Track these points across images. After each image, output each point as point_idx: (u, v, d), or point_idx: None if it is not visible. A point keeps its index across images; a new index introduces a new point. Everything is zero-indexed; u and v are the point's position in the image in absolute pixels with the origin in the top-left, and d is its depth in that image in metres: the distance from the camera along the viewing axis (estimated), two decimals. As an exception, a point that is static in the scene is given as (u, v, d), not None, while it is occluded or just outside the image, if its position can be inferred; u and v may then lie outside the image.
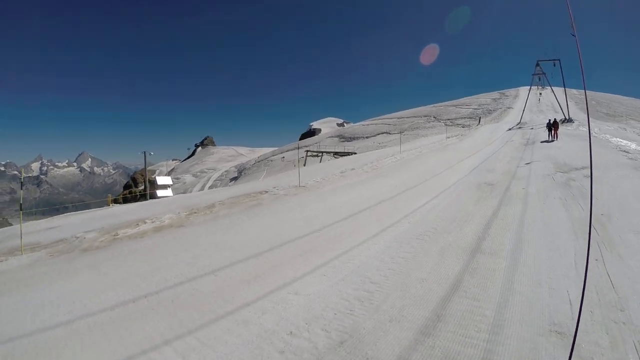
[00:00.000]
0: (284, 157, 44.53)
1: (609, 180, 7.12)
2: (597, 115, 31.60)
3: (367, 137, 37.68)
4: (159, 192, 18.22)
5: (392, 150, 20.50)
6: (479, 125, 31.16)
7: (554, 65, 26.78)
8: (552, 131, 16.93)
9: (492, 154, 15.09)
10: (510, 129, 26.25)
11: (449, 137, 24.72)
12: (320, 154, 32.07)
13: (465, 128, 33.00)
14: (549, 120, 18.18)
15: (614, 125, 23.53)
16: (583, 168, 10.17)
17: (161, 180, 20.78)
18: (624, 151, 11.55)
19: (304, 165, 26.38)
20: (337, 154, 30.06)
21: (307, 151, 34.24)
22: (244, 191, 10.44)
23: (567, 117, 27.34)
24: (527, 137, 20.79)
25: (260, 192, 9.42)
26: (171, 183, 21.84)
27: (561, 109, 28.26)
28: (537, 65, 28.02)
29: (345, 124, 78.09)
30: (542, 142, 16.68)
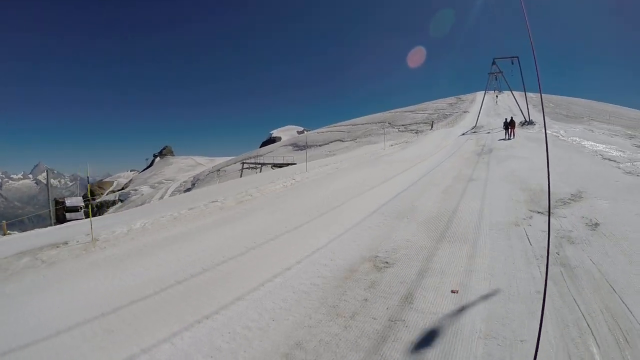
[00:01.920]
0: (219, 171, 50.05)
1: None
2: (557, 117, 33.28)
3: (320, 145, 41.29)
4: (69, 215, 18.42)
5: (313, 164, 15.95)
6: (431, 130, 33.45)
7: (512, 63, 27.55)
8: (509, 130, 18.83)
9: (430, 171, 11.46)
10: (464, 134, 26.13)
11: (392, 145, 23.91)
12: (259, 166, 34.83)
13: (418, 134, 33.83)
14: (506, 119, 20.23)
15: (578, 126, 23.67)
16: (575, 197, 6.25)
17: (71, 201, 21.50)
18: (610, 159, 10.59)
19: (240, 176, 29.31)
20: (275, 165, 32.64)
21: (243, 163, 38.03)
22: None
23: (528, 119, 27.03)
24: (482, 143, 18.62)
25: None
26: (82, 205, 22.81)
27: (521, 111, 28.32)
28: (494, 63, 29.05)
29: (305, 132, 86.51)
30: (499, 139, 18.52)
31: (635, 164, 10.15)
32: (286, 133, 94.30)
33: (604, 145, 14.24)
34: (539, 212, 5.88)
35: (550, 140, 17.19)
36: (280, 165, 30.64)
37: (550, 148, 14.16)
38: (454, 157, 14.55)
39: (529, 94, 29.51)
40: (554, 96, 51.40)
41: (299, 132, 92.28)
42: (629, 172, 8.81)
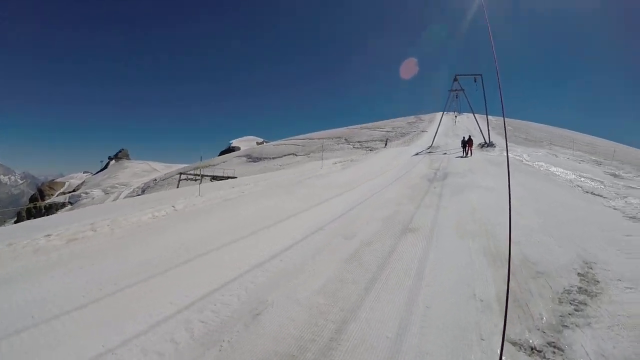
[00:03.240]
0: (156, 180, 54.89)
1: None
2: (517, 140, 34.59)
3: (273, 158, 44.30)
4: None
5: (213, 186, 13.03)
6: (385, 148, 34.03)
7: (475, 81, 28.80)
8: (467, 148, 21.04)
9: (358, 204, 9.39)
10: (417, 154, 25.62)
11: (335, 163, 22.65)
12: (199, 177, 35.86)
13: (372, 151, 34.19)
14: (464, 137, 22.50)
15: (540, 150, 24.13)
16: (586, 281, 4.35)
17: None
18: (593, 193, 9.73)
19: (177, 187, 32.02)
20: (215, 177, 34.60)
21: (181, 174, 40.40)
22: None
23: (488, 141, 27.18)
24: (436, 165, 17.19)
25: None
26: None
27: (481, 132, 28.88)
28: (456, 79, 30.19)
29: (264, 143, 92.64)
30: (457, 157, 20.11)
31: (629, 201, 8.49)
32: (245, 143, 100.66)
33: (576, 173, 13.81)
34: (533, 351, 3.02)
35: (513, 164, 16.63)
36: (220, 178, 32.47)
37: (516, 174, 12.75)
38: (399, 183, 12.22)
39: (489, 117, 30.26)
40: (512, 119, 55.60)
41: (258, 143, 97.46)
42: (632, 217, 7.14)
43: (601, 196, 9.43)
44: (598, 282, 4.47)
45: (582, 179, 12.36)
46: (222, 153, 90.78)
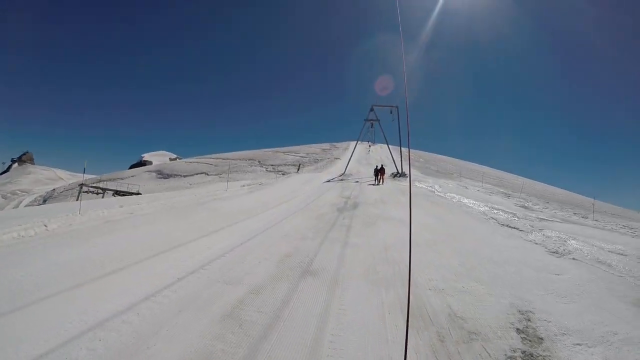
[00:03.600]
0: (54, 190, 58.43)
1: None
2: (428, 172, 37.69)
3: (184, 176, 46.68)
4: None
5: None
6: (296, 173, 35.70)
7: (391, 112, 31.49)
8: (379, 176, 23.03)
9: (252, 238, 8.03)
10: (329, 181, 26.08)
11: (243, 186, 22.88)
12: (102, 191, 37.65)
13: (284, 175, 35.97)
14: (377, 166, 24.83)
15: (451, 182, 26.15)
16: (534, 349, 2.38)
17: None
18: (509, 226, 9.89)
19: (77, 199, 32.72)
20: (118, 192, 35.64)
21: (82, 185, 41.17)
22: None
23: (400, 171, 29.02)
24: (347, 194, 16.74)
25: None
26: None
27: (394, 162, 31.13)
28: (372, 110, 32.81)
29: (178, 159, 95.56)
30: (369, 184, 21.95)
31: (546, 234, 8.75)
32: (158, 158, 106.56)
33: (488, 205, 14.49)
34: None
35: (426, 195, 17.40)
36: (123, 194, 33.72)
37: (429, 206, 12.95)
38: (305, 212, 11.15)
39: (403, 148, 32.92)
40: (424, 152, 62.28)
41: (172, 159, 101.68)
42: (554, 252, 7.17)
43: (517, 229, 9.69)
44: (542, 339, 4.05)
45: (495, 210, 13.01)
46: (133, 166, 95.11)
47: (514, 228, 9.77)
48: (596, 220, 14.23)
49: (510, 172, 47.13)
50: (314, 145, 69.13)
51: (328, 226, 8.76)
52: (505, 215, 12.08)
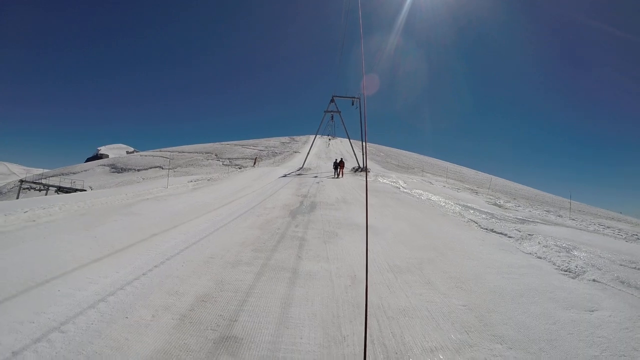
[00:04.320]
0: None
1: None
2: (389, 166, 36.53)
3: (138, 170, 46.50)
4: None
5: None
6: (252, 167, 34.63)
7: (353, 104, 30.32)
8: (339, 169, 23.20)
9: (178, 253, 5.75)
10: (285, 175, 24.11)
11: (191, 181, 21.14)
12: (46, 188, 36.76)
13: (240, 169, 34.24)
14: (336, 159, 24.56)
15: (414, 177, 24.87)
16: None
17: None
18: (495, 232, 8.46)
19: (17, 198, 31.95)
20: (61, 189, 34.70)
21: (22, 181, 40.66)
22: None
23: (361, 166, 27.51)
24: (304, 191, 15.02)
25: None
26: None
27: (355, 157, 30.00)
28: (332, 101, 31.43)
29: (135, 152, 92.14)
30: (328, 177, 21.64)
31: (543, 242, 7.53)
32: (114, 151, 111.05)
33: (460, 204, 13.11)
34: None
35: (391, 191, 15.95)
36: (67, 190, 32.60)
37: (398, 206, 11.63)
38: (250, 217, 8.88)
39: (358, 142, 31.74)
40: (384, 146, 61.77)
41: (129, 152, 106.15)
42: (567, 270, 5.83)
43: (505, 235, 8.09)
44: None
45: (471, 211, 11.45)
46: (90, 160, 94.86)
47: (501, 234, 8.16)
48: (574, 220, 13.21)
49: (467, 166, 47.28)
50: (273, 138, 68.93)
51: (275, 240, 6.43)
52: (483, 216, 10.57)
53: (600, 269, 5.94)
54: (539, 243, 7.56)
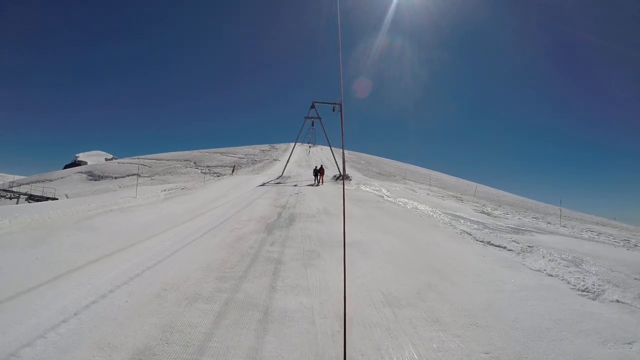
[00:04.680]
0: None
1: None
2: (371, 174, 35.88)
3: (115, 178, 45.21)
4: None
5: None
6: (231, 175, 33.24)
7: (334, 110, 29.10)
8: (319, 176, 22.97)
9: (96, 301, 4.06)
10: (264, 184, 23.08)
11: (164, 190, 19.56)
12: (17, 196, 35.77)
13: (219, 177, 33.15)
14: (316, 166, 24.58)
15: (397, 185, 24.24)
16: None
17: None
18: (488, 243, 7.82)
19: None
20: (32, 197, 33.86)
21: None
22: None
23: (343, 174, 26.20)
24: (282, 202, 14.07)
25: None
26: None
27: (336, 163, 29.08)
28: (313, 107, 30.30)
29: (114, 159, 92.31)
30: (308, 185, 21.28)
31: (547, 255, 7.09)
32: (93, 158, 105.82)
33: (448, 213, 12.31)
34: None
35: (376, 200, 15.19)
36: (38, 199, 31.91)
37: (385, 217, 10.79)
38: (219, 234, 7.82)
39: (339, 151, 31.14)
40: (365, 154, 61.14)
41: (107, 159, 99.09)
42: (584, 291, 5.14)
43: (504, 248, 7.36)
44: None
45: (461, 220, 10.72)
46: (68, 167, 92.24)
47: (500, 247, 7.42)
48: (565, 227, 12.72)
49: (447, 173, 47.29)
50: (252, 146, 67.30)
51: (245, 263, 5.37)
52: (475, 226, 9.85)
53: (618, 286, 5.27)
54: (543, 257, 6.86)
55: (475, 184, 32.55)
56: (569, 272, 5.79)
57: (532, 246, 7.65)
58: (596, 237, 10.72)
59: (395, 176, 35.51)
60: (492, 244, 7.60)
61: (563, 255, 6.93)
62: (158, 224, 8.89)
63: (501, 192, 31.54)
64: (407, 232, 8.37)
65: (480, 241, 7.85)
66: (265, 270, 4.94)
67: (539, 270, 5.88)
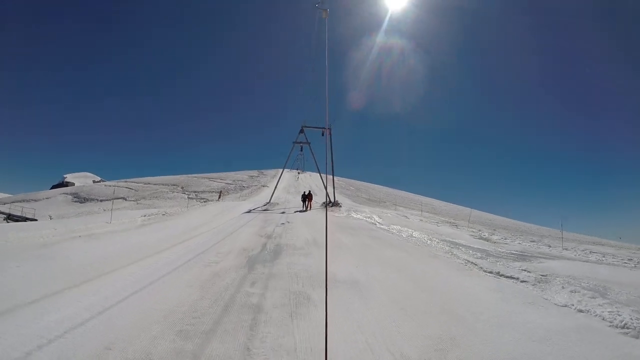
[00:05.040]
0: None
1: None
2: (360, 200, 35.40)
3: (101, 201, 45.17)
4: None
5: None
6: (217, 201, 33.13)
7: (323, 134, 28.69)
8: (307, 202, 23.02)
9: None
10: (250, 211, 22.12)
11: (143, 216, 19.05)
12: None
13: (205, 203, 33.10)
14: (304, 192, 24.66)
15: (389, 211, 23.72)
16: None
17: None
18: (498, 274, 7.06)
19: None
20: (11, 217, 32.88)
21: None
22: None
23: (333, 200, 26.01)
24: (268, 231, 13.35)
25: None
26: None
27: (325, 189, 28.34)
28: (301, 131, 29.86)
29: (102, 182, 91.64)
30: (296, 211, 21.00)
31: (563, 286, 6.69)
32: (81, 180, 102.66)
33: (446, 240, 11.56)
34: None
35: (368, 228, 14.43)
36: (17, 219, 31.18)
37: (382, 248, 9.83)
38: (191, 269, 6.85)
39: (328, 176, 30.87)
40: (354, 180, 60.91)
41: (95, 182, 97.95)
42: (623, 327, 4.38)
43: (518, 279, 6.65)
44: None
45: (462, 248, 9.94)
46: (55, 187, 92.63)
47: (512, 278, 6.67)
48: (566, 249, 12.01)
49: (435, 198, 46.95)
50: (241, 171, 66.11)
51: (217, 312, 4.33)
52: (479, 254, 9.14)
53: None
54: (562, 287, 6.06)
55: (464, 208, 32.14)
56: (599, 304, 4.98)
57: (546, 275, 6.86)
58: (603, 259, 10.04)
59: (385, 202, 34.90)
60: (502, 275, 6.77)
61: (583, 284, 6.15)
62: (127, 255, 7.94)
63: (491, 216, 31.07)
64: (408, 265, 7.49)
65: (489, 272, 7.01)
66: (240, 323, 3.90)
67: (565, 306, 5.05)
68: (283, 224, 15.34)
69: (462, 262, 7.92)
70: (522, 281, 6.46)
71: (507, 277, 6.66)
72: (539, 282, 6.36)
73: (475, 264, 7.70)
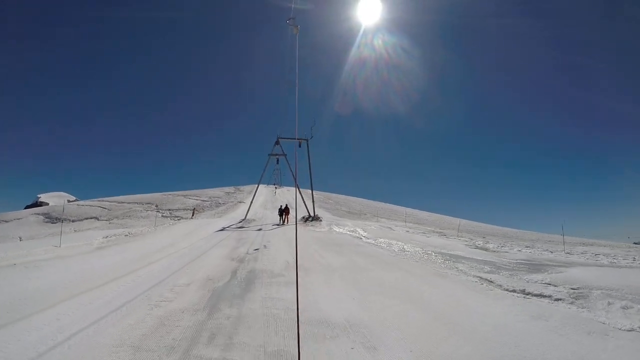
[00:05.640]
0: None
1: None
2: (340, 213, 34.46)
3: (73, 221, 43.42)
4: None
5: None
6: (190, 219, 32.33)
7: (300, 145, 27.43)
8: (284, 216, 23.14)
9: None
10: (224, 229, 20.62)
11: (106, 237, 16.41)
12: None
13: (177, 221, 32.19)
14: (281, 206, 24.69)
15: (372, 223, 23.00)
16: None
17: None
18: (513, 291, 6.10)
19: None
20: None
21: None
22: None
23: (313, 214, 25.11)
24: (241, 252, 11.87)
25: None
26: None
27: (304, 204, 29.85)
28: (277, 143, 28.81)
29: (77, 202, 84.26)
30: (273, 225, 21.55)
31: (604, 300, 5.48)
32: (55, 199, 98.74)
33: (442, 253, 10.53)
34: None
35: (354, 244, 13.25)
36: None
37: (375, 268, 8.78)
38: (129, 317, 5.19)
39: (307, 191, 30.02)
40: (332, 193, 59.99)
41: (70, 201, 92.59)
42: None
43: (551, 297, 5.55)
44: None
45: (463, 260, 8.87)
46: (29, 207, 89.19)
47: (544, 297, 5.62)
48: (569, 253, 11.07)
49: (415, 208, 46.37)
50: (217, 188, 63.97)
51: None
52: (487, 267, 8.08)
53: None
54: (609, 304, 4.88)
55: (447, 217, 31.54)
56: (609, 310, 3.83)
57: (576, 288, 5.72)
58: (616, 261, 9.12)
59: (366, 214, 33.94)
60: (530, 294, 5.56)
61: (629, 296, 5.01)
62: (61, 289, 6.54)
63: (475, 223, 30.54)
64: (415, 290, 6.09)
65: (512, 291, 5.77)
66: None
67: (632, 330, 3.81)
68: (261, 238, 13.78)
69: (475, 279, 6.65)
70: (555, 299, 5.25)
71: (536, 295, 5.43)
72: (577, 299, 5.16)
73: (491, 282, 6.44)
